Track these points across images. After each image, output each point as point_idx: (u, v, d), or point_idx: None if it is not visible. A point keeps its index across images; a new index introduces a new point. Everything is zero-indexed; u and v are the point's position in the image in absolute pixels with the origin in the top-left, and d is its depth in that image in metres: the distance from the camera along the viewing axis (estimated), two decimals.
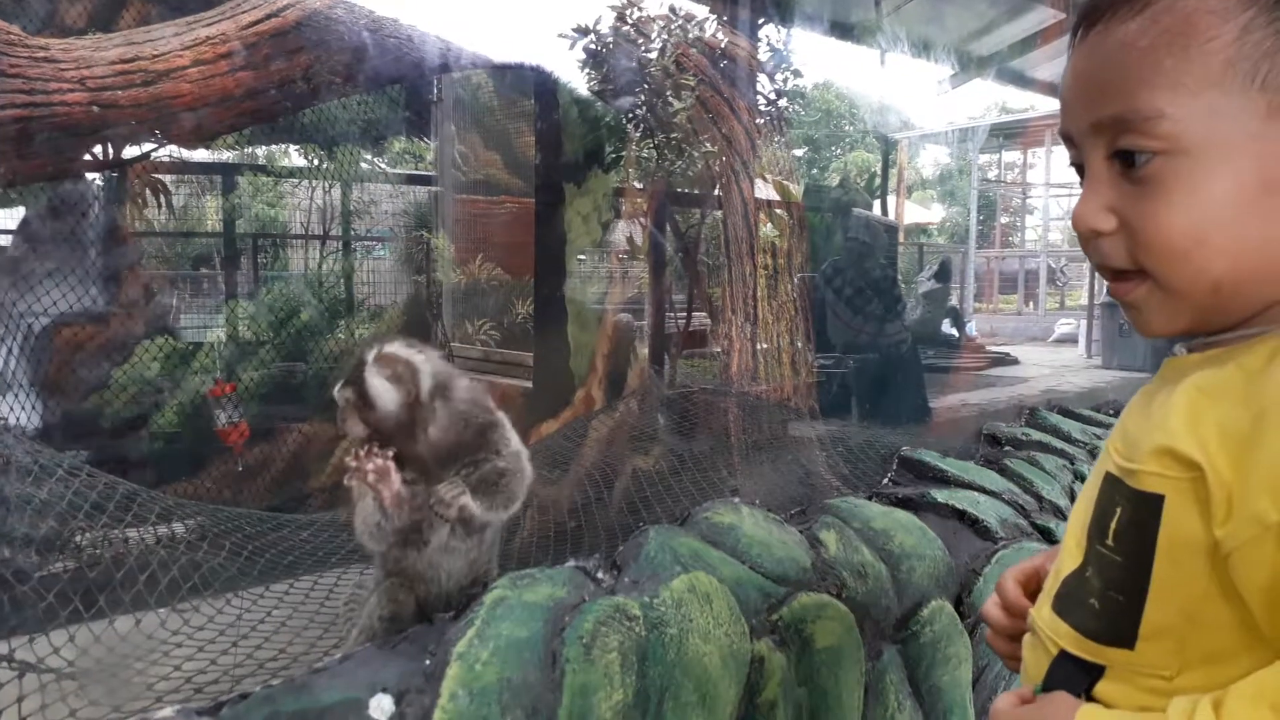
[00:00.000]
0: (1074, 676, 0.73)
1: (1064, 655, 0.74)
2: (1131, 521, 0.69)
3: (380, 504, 1.40)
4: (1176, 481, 0.65)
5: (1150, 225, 0.68)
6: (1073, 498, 2.05)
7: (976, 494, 2.27)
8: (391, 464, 1.40)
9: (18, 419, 3.20)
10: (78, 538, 2.17)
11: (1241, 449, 0.62)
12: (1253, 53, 0.64)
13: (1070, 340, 11.53)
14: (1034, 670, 0.78)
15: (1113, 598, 0.70)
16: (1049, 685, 0.75)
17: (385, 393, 1.44)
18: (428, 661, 1.31)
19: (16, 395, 3.27)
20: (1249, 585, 0.62)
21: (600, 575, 1.60)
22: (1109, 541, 0.72)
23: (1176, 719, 0.63)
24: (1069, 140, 0.74)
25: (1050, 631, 0.76)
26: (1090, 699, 0.72)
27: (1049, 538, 2.24)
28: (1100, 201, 0.71)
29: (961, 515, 2.17)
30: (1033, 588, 0.89)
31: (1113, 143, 0.69)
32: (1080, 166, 0.74)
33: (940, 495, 2.21)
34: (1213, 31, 0.64)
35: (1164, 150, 0.67)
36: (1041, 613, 0.79)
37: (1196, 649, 0.66)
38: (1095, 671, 0.72)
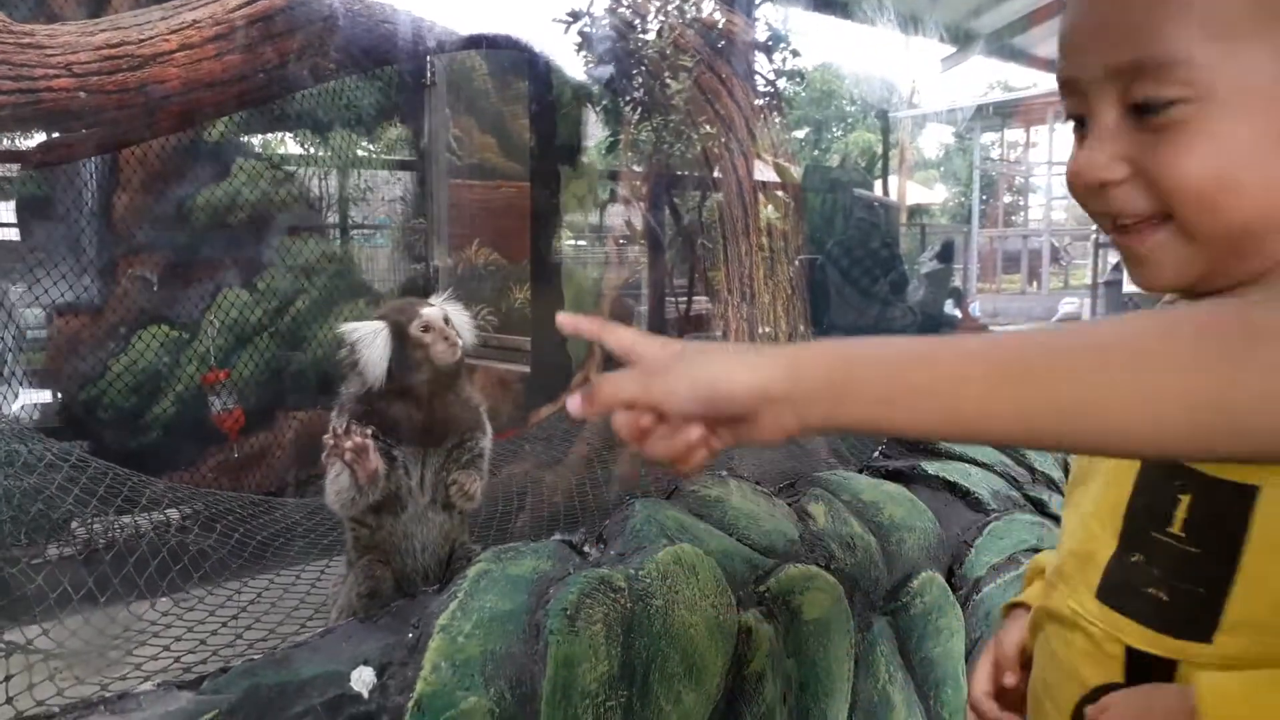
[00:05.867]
0: (1148, 674, 0.68)
1: (1132, 652, 0.69)
2: (1211, 512, 0.65)
3: (354, 481, 1.40)
4: (1274, 471, 0.61)
5: (1173, 172, 0.64)
6: (1066, 470, 2.04)
7: (968, 466, 2.26)
8: (370, 443, 1.40)
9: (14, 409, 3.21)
10: (73, 524, 2.18)
11: None
12: None
13: (1074, 319, 11.49)
14: (1087, 672, 0.72)
15: (1188, 590, 0.66)
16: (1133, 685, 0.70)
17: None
18: (410, 635, 1.31)
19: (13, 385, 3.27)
20: None
21: (586, 549, 1.60)
22: (1176, 530, 0.67)
23: None
24: (1072, 87, 0.69)
25: (1107, 625, 0.71)
26: None
27: (1041, 509, 2.23)
28: (1110, 150, 0.66)
29: (953, 488, 2.16)
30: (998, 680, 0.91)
31: (1128, 89, 0.65)
32: (1079, 117, 0.69)
33: (931, 468, 2.20)
34: None
35: (1184, 97, 0.62)
36: (1087, 604, 0.73)
37: None
38: (1169, 667, 0.67)
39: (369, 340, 1.45)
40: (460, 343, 1.48)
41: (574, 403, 0.64)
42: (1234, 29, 0.61)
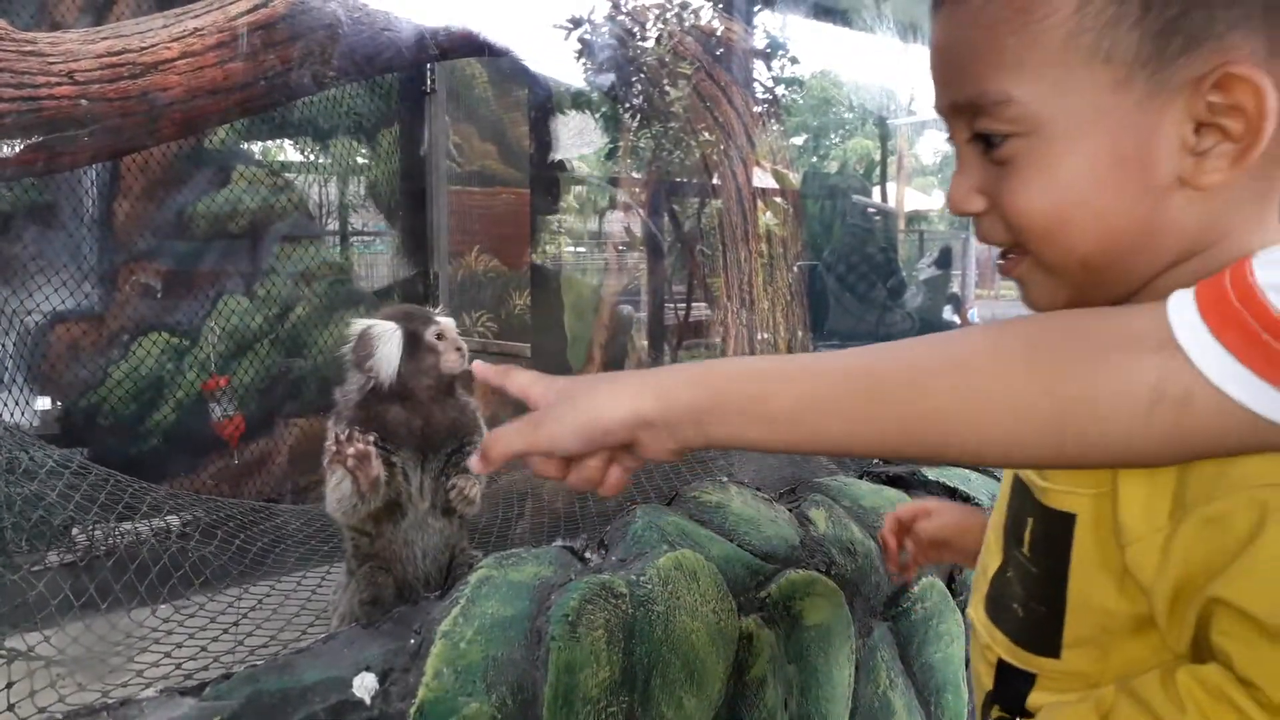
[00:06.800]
0: (1014, 685, 0.72)
1: (1002, 663, 0.73)
2: (1045, 535, 0.68)
3: (356, 487, 1.40)
4: (1091, 497, 0.63)
5: (1012, 206, 0.67)
6: None
7: (968, 471, 2.26)
8: (372, 449, 1.41)
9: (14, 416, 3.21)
10: (74, 530, 2.18)
11: None
12: (1093, 25, 0.61)
13: None
14: (985, 678, 0.76)
15: (1035, 608, 0.69)
16: (998, 694, 0.74)
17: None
18: (412, 641, 1.31)
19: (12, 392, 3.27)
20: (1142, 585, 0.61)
21: (588, 555, 1.60)
22: (1025, 551, 0.70)
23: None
24: (942, 120, 0.73)
25: (988, 638, 0.75)
26: (1024, 711, 0.71)
27: None
28: (969, 183, 0.69)
29: (953, 493, 2.17)
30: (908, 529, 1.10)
31: (970, 125, 0.68)
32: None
33: (931, 473, 2.20)
34: (1050, 7, 0.62)
35: (1016, 132, 0.65)
36: (978, 614, 0.78)
37: (1120, 657, 0.64)
38: (1030, 679, 0.70)
39: (385, 337, 1.45)
40: (469, 355, 1.50)
41: (473, 461, 0.71)
42: (1049, 68, 0.63)
